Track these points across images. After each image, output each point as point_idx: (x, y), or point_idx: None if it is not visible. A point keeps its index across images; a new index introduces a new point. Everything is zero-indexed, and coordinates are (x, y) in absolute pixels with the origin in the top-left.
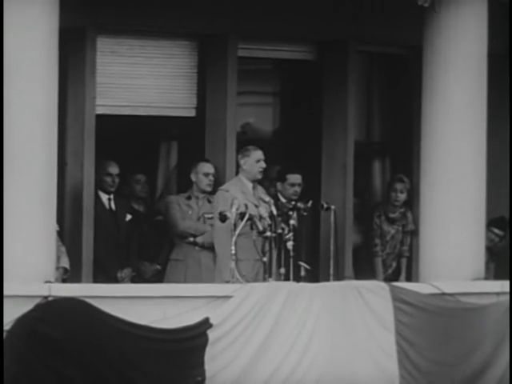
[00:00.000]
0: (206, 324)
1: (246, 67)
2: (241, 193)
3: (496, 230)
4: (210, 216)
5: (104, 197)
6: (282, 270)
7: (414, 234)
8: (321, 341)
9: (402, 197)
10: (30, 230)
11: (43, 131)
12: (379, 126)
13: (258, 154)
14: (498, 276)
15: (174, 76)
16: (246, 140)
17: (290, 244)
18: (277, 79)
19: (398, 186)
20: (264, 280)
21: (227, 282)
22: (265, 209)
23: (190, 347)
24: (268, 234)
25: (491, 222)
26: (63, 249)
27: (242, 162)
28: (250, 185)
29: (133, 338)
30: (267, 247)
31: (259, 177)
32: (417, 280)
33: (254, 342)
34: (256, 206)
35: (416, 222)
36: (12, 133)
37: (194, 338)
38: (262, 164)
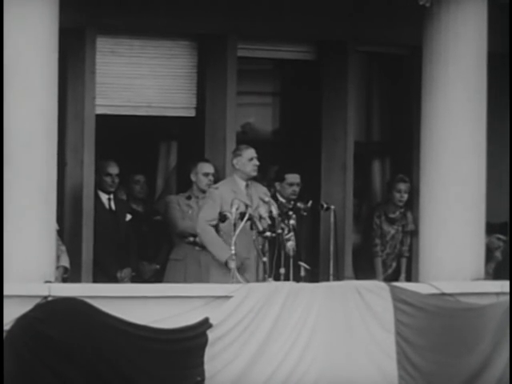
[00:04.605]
0: (205, 324)
1: (246, 67)
2: (231, 192)
3: (501, 236)
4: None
5: (104, 197)
6: (282, 270)
7: (414, 234)
8: (320, 341)
9: (406, 197)
10: (30, 229)
11: (43, 131)
12: (379, 125)
13: (250, 152)
14: (497, 276)
15: (174, 76)
16: (246, 140)
17: (289, 244)
18: (277, 79)
19: (402, 186)
20: (264, 280)
21: (226, 263)
22: (264, 209)
23: (190, 347)
24: (268, 234)
25: (494, 229)
26: (63, 248)
27: (234, 161)
28: (243, 184)
29: (132, 338)
30: (267, 247)
31: (254, 174)
32: (416, 280)
33: (253, 343)
34: (247, 206)
35: (416, 222)
36: (12, 133)
37: (193, 338)
38: (255, 162)
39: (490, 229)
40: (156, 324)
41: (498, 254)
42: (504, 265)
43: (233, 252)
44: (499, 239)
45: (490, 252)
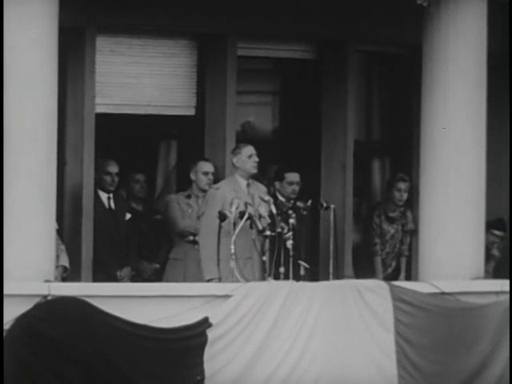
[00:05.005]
0: (205, 323)
1: (246, 66)
2: (232, 191)
3: (496, 232)
4: (200, 214)
5: (103, 196)
6: (282, 269)
7: (414, 233)
8: (320, 340)
9: (405, 196)
10: (30, 228)
11: (43, 130)
12: (379, 125)
13: (249, 149)
14: (496, 275)
15: (174, 75)
16: (246, 139)
17: (289, 243)
18: (276, 78)
19: (402, 185)
20: (263, 279)
21: (208, 281)
22: (264, 208)
23: (189, 346)
24: (267, 233)
25: (490, 225)
26: (63, 247)
27: (234, 160)
28: (244, 183)
29: (132, 338)
30: (267, 246)
31: (254, 171)
32: (416, 279)
33: (253, 342)
34: (248, 205)
35: (415, 221)
36: (12, 132)
37: (193, 338)
38: (255, 158)
39: (486, 226)
40: (156, 323)
41: (495, 252)
42: (504, 264)
43: (232, 251)
44: (493, 234)
45: (486, 249)
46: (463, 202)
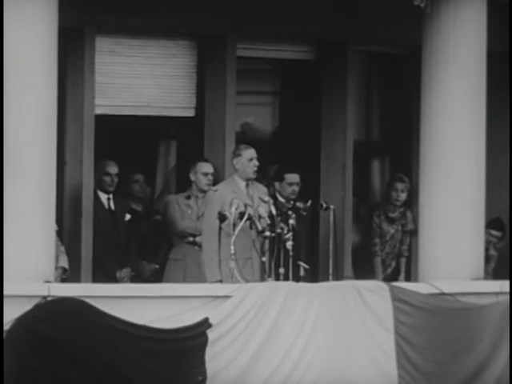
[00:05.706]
0: (205, 324)
1: (246, 67)
2: (231, 192)
3: (494, 232)
4: (199, 215)
5: (103, 196)
6: (282, 270)
7: (414, 233)
8: (320, 341)
9: (403, 196)
10: (30, 229)
11: (42, 131)
12: (378, 125)
13: (250, 152)
14: (496, 276)
15: (173, 76)
16: (245, 140)
17: (289, 244)
18: (276, 79)
19: (399, 185)
20: (263, 280)
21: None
22: (264, 208)
23: (190, 347)
24: (267, 233)
25: (488, 225)
26: (62, 248)
27: (234, 161)
28: (243, 184)
29: (132, 338)
30: (266, 247)
31: (252, 176)
32: (416, 280)
33: (253, 342)
34: (248, 206)
35: (415, 221)
36: (11, 132)
37: (193, 338)
38: (255, 162)
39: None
40: (155, 324)
41: (493, 252)
42: (503, 265)
43: (232, 252)
44: (490, 234)
45: (484, 249)
46: (463, 202)
